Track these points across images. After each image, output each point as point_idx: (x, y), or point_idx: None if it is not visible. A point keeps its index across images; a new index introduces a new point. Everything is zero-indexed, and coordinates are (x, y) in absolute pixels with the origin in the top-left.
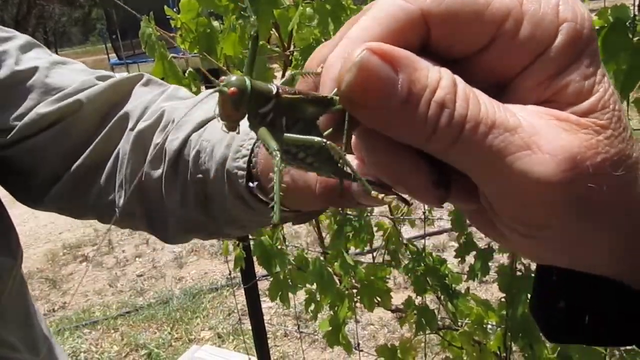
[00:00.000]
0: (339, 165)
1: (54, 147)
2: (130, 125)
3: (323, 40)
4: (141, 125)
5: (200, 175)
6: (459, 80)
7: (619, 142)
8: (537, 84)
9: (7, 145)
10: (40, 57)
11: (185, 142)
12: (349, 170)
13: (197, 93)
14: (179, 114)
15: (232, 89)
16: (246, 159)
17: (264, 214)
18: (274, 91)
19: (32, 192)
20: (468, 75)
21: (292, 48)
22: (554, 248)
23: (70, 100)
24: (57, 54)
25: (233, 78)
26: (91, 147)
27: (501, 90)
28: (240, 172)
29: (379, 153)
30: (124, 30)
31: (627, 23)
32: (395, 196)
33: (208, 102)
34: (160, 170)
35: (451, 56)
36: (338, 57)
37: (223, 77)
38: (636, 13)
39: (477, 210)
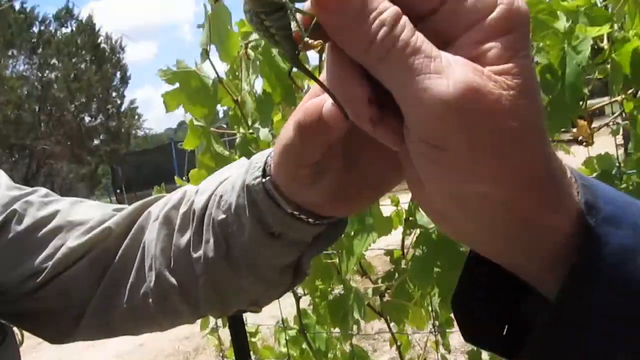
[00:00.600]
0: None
1: (85, 275)
2: (153, 218)
3: None
4: (166, 208)
5: (222, 216)
6: (405, 17)
7: (521, 105)
8: (470, 43)
9: (38, 287)
10: (59, 200)
11: (210, 197)
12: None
13: None
14: (202, 186)
15: None
16: (261, 169)
17: (285, 237)
18: None
19: (62, 326)
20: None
21: None
22: (452, 177)
23: (99, 229)
24: None
25: None
26: (117, 259)
27: (444, 48)
28: (257, 181)
29: (336, 64)
30: (128, 184)
31: (613, 172)
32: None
33: (230, 168)
34: (188, 235)
35: (408, 13)
36: None
37: None
38: (621, 162)
39: (403, 152)
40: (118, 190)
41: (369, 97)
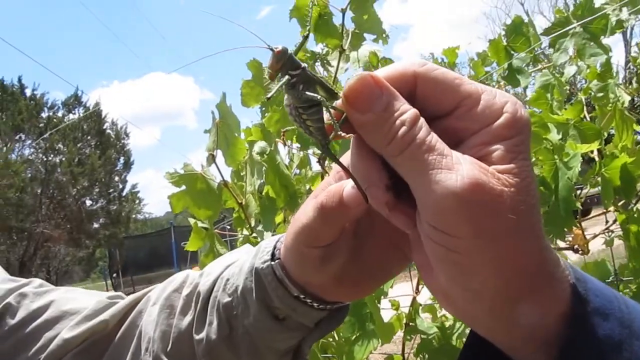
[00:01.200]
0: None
1: None
2: (152, 302)
3: None
4: (167, 292)
5: (228, 299)
6: (422, 119)
7: (519, 201)
8: (478, 144)
9: None
10: (53, 290)
11: (216, 280)
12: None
13: None
14: (207, 269)
15: (279, 48)
16: (270, 253)
17: (289, 320)
18: (303, 66)
19: None
20: (434, 131)
21: None
22: (458, 264)
23: (96, 321)
24: None
25: (281, 45)
26: (112, 345)
27: (454, 148)
28: (266, 264)
29: (360, 154)
30: (125, 267)
31: (609, 279)
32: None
33: (233, 253)
34: (190, 317)
35: (426, 114)
36: None
37: (277, 45)
38: (617, 269)
39: (415, 233)
40: (114, 275)
41: (386, 184)
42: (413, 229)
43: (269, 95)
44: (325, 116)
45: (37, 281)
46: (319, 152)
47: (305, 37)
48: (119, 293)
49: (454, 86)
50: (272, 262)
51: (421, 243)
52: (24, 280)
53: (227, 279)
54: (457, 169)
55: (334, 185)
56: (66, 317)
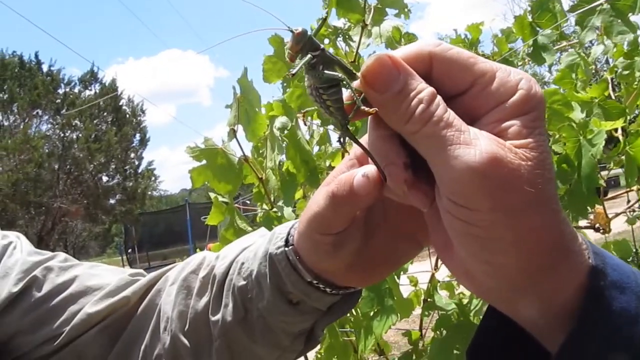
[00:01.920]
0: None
1: (100, 340)
2: (170, 282)
3: None
4: (184, 273)
5: (243, 283)
6: (439, 96)
7: (537, 175)
8: (494, 121)
9: (54, 351)
10: (77, 265)
11: (232, 263)
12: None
13: None
14: (223, 252)
15: (298, 29)
16: (284, 239)
17: (302, 305)
18: (322, 47)
19: None
20: (451, 109)
21: None
22: (478, 238)
23: (118, 297)
24: None
25: (300, 27)
26: (132, 322)
27: (470, 125)
28: (280, 250)
29: (378, 132)
30: (140, 243)
31: (629, 259)
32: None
33: (250, 236)
34: (206, 298)
35: (442, 93)
36: None
37: (297, 27)
38: (638, 248)
39: (432, 212)
40: (130, 250)
41: (404, 161)
42: (430, 207)
43: (293, 72)
44: (345, 96)
45: (62, 255)
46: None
47: (324, 19)
48: (140, 270)
49: (468, 65)
50: (286, 248)
51: (438, 222)
52: (49, 254)
53: (242, 263)
54: (475, 144)
55: (344, 174)
56: (89, 293)
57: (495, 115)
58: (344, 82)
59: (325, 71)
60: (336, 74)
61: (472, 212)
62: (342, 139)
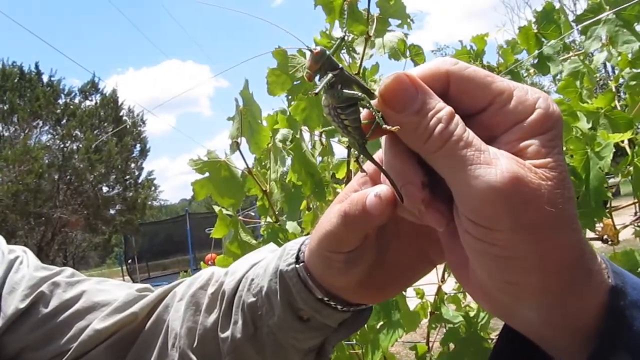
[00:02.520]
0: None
1: (110, 355)
2: (178, 298)
3: None
4: (192, 289)
5: (252, 299)
6: (457, 115)
7: (557, 194)
8: (513, 140)
9: None
10: (84, 281)
11: (241, 279)
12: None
13: None
14: (232, 268)
15: (317, 49)
16: (294, 256)
17: (313, 321)
18: (340, 66)
19: None
20: (469, 127)
21: None
22: (498, 258)
23: (126, 313)
24: None
25: (319, 47)
26: (140, 338)
27: (488, 144)
28: (291, 267)
29: (395, 151)
30: (140, 253)
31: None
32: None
33: (259, 252)
34: (215, 315)
35: (459, 112)
36: None
37: (315, 47)
38: None
39: (447, 231)
40: (130, 260)
41: (422, 180)
42: (446, 227)
43: (316, 91)
44: (362, 115)
45: (68, 270)
46: (343, 139)
47: (342, 39)
48: (147, 285)
49: (486, 83)
50: (297, 265)
51: (454, 242)
52: (56, 269)
53: (252, 279)
54: (496, 164)
55: (357, 192)
56: (97, 309)
57: (514, 134)
58: (364, 101)
59: (344, 90)
60: (355, 92)
61: (492, 232)
62: (359, 159)
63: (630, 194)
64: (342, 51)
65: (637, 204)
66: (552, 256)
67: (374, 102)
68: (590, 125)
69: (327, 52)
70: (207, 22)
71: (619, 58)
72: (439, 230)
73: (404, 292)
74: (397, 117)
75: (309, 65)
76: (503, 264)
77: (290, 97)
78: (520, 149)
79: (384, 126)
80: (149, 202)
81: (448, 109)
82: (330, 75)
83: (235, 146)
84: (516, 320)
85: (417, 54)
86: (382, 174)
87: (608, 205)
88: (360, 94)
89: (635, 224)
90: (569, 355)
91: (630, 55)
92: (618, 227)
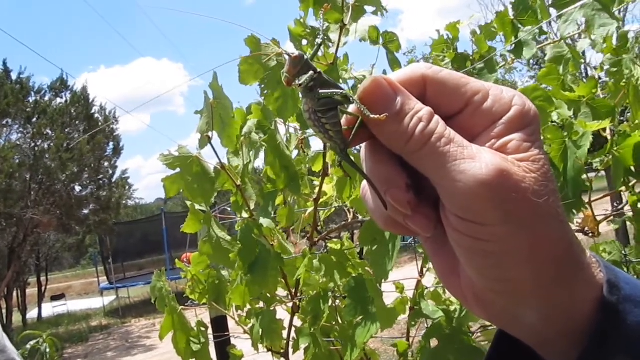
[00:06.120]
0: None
1: None
2: None
3: (331, 288)
4: None
5: None
6: (437, 115)
7: (542, 186)
8: (492, 137)
9: None
10: None
11: None
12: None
13: (205, 344)
14: None
15: (296, 53)
16: None
17: None
18: (319, 70)
19: None
20: None
21: (299, 295)
22: (489, 254)
23: None
24: (47, 278)
25: (298, 51)
26: None
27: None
28: None
29: (376, 157)
30: (115, 254)
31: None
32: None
33: None
34: None
35: (438, 114)
36: None
37: (293, 51)
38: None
39: (433, 238)
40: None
41: (406, 182)
42: (433, 231)
43: (299, 82)
44: (342, 121)
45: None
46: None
47: (319, 45)
48: None
49: (460, 84)
50: None
51: (440, 247)
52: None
53: None
54: (480, 158)
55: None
56: None
57: (493, 132)
58: (345, 100)
59: (324, 90)
60: (336, 90)
61: (481, 226)
62: (341, 164)
63: (601, 189)
64: (317, 40)
65: (613, 196)
66: (542, 248)
67: (353, 107)
68: (571, 113)
69: (306, 57)
70: (181, 21)
71: (605, 45)
72: (426, 236)
73: (380, 288)
74: (377, 120)
75: (288, 69)
76: (494, 260)
77: (263, 86)
78: (501, 145)
79: (372, 116)
80: (124, 202)
81: (427, 108)
82: (311, 72)
83: (207, 140)
84: (515, 324)
85: (391, 41)
86: (365, 181)
87: (589, 198)
88: (339, 91)
89: (614, 215)
90: (563, 353)
91: (614, 42)
92: (599, 219)
